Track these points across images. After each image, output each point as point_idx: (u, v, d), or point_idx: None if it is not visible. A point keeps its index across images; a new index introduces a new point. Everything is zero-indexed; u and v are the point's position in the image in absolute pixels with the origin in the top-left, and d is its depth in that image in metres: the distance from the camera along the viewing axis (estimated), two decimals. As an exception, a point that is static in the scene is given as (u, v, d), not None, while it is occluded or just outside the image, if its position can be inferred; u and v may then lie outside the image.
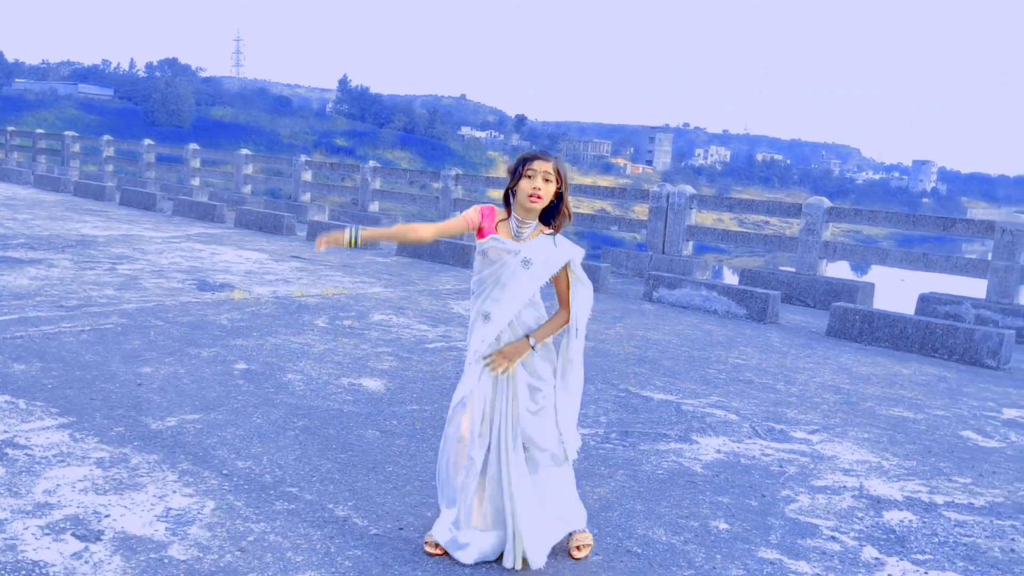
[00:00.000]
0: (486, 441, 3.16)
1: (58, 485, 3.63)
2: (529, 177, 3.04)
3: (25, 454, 3.95)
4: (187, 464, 3.97)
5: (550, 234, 3.15)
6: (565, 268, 3.15)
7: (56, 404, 4.65)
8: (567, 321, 3.18)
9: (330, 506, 3.63)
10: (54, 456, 3.94)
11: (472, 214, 3.16)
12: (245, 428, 4.50)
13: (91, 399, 4.77)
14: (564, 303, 3.20)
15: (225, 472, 3.91)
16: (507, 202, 3.16)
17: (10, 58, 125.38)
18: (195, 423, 4.52)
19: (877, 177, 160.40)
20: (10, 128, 31.78)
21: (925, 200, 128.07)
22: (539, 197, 3.04)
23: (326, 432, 4.54)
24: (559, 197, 3.11)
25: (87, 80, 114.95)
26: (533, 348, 3.13)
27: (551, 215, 3.14)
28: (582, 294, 3.18)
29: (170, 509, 3.48)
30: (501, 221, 3.16)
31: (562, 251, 3.14)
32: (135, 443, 4.17)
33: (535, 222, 3.13)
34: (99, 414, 4.54)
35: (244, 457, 4.10)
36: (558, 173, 3.07)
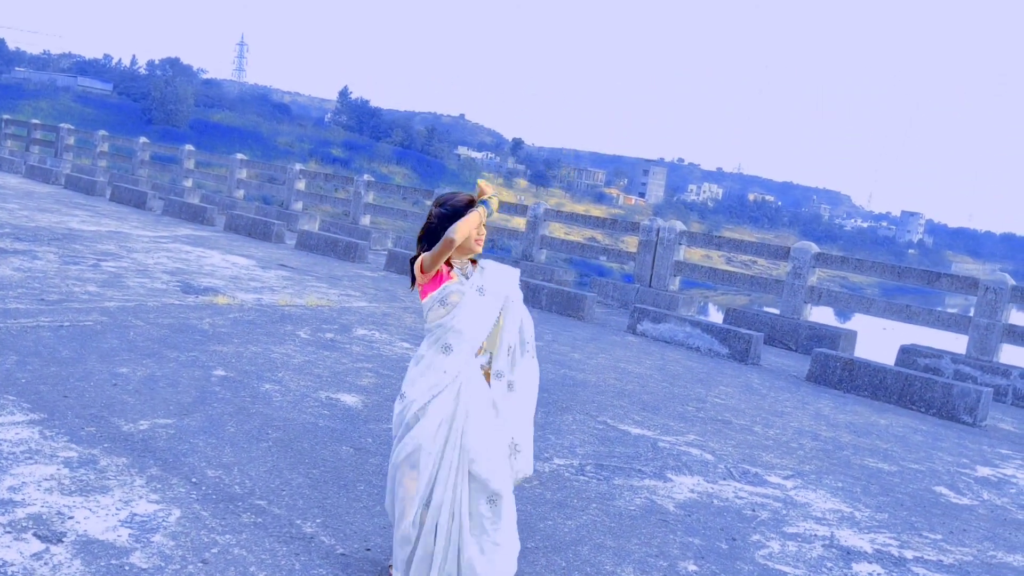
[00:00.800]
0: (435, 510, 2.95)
1: (24, 483, 3.58)
2: (478, 224, 3.02)
3: (-8, 448, 3.88)
4: (156, 470, 3.92)
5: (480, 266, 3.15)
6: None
7: (28, 399, 4.59)
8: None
9: (298, 522, 3.59)
10: (22, 452, 3.89)
11: (423, 282, 3.09)
12: (218, 436, 4.45)
13: (64, 396, 4.72)
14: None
15: (194, 480, 3.86)
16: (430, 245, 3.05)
17: (11, 46, 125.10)
18: (168, 428, 4.47)
19: (865, 225, 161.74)
20: (5, 116, 31.65)
21: (911, 251, 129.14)
22: (481, 241, 3.08)
23: (300, 446, 4.50)
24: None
25: (87, 73, 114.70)
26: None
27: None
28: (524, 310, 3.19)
29: (135, 515, 3.43)
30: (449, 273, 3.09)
31: (504, 273, 3.16)
32: (105, 444, 4.12)
33: (473, 256, 3.15)
34: (71, 412, 4.49)
35: (215, 466, 4.06)
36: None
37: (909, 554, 4.27)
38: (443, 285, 3.03)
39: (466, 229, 2.96)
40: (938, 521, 4.86)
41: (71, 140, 26.86)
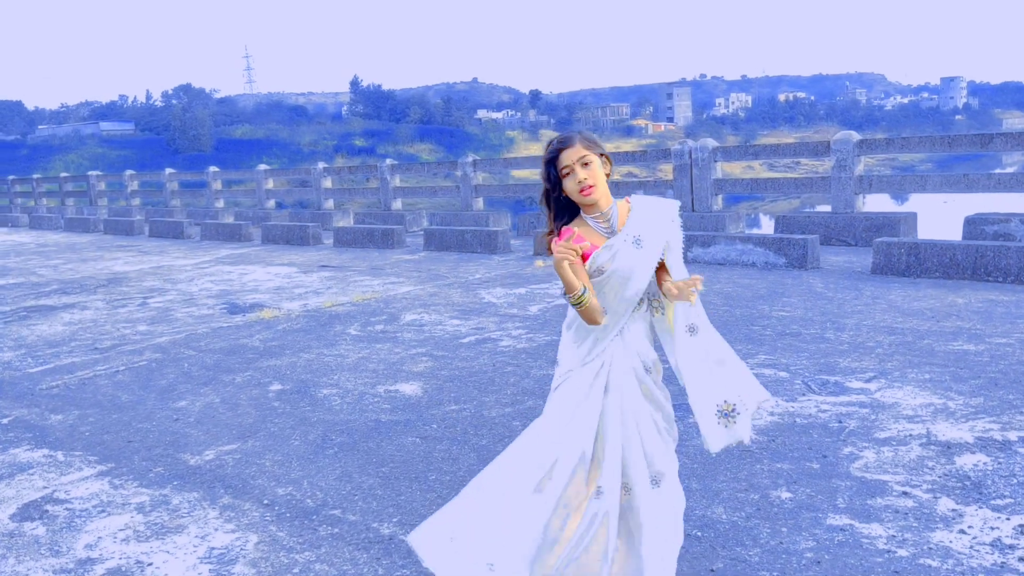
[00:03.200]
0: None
1: (99, 538, 3.56)
2: (567, 175, 2.57)
3: (65, 509, 3.88)
4: (227, 498, 3.88)
5: (645, 199, 2.69)
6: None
7: (94, 452, 4.59)
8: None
9: (375, 525, 3.51)
10: (94, 507, 3.88)
11: (569, 252, 2.46)
12: (283, 452, 4.40)
13: (128, 442, 4.71)
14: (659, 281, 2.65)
15: (266, 502, 3.81)
16: (559, 207, 2.64)
17: (30, 106, 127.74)
18: (233, 453, 4.43)
19: (906, 100, 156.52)
20: (36, 176, 32.29)
21: (958, 117, 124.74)
22: (592, 186, 2.54)
23: (366, 446, 4.43)
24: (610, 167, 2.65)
25: (107, 117, 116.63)
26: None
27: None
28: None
29: (213, 549, 3.38)
30: (583, 229, 2.60)
31: (660, 210, 2.63)
32: (175, 483, 4.09)
33: (612, 205, 2.62)
34: (137, 456, 4.48)
35: (284, 483, 4.00)
36: (588, 147, 2.57)
37: (1013, 435, 4.02)
38: (594, 250, 2.56)
39: (559, 251, 2.45)
40: (1038, 394, 4.58)
41: (102, 185, 27.28)
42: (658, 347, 2.78)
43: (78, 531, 3.64)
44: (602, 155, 2.62)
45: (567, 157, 2.56)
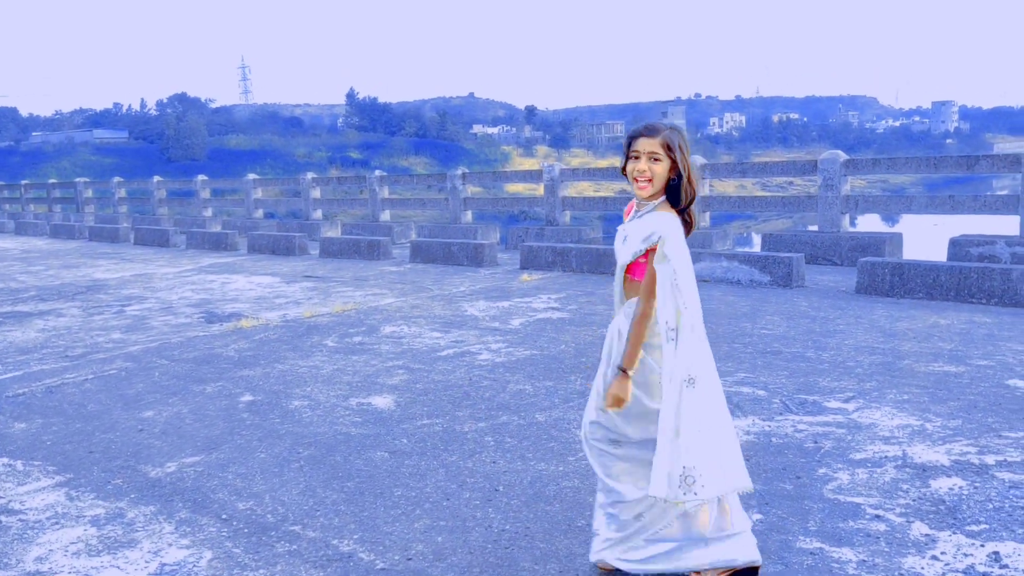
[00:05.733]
0: None
1: (50, 551, 3.45)
2: (634, 158, 2.70)
3: (19, 520, 3.77)
4: (185, 512, 3.77)
5: (664, 213, 2.73)
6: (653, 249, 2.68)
7: (54, 462, 4.48)
8: (646, 314, 2.67)
9: (334, 542, 3.41)
10: (48, 519, 3.76)
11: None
12: (247, 465, 4.29)
13: (90, 452, 4.60)
14: (644, 293, 2.70)
15: (224, 517, 3.70)
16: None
17: (24, 113, 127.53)
18: (195, 466, 4.32)
19: (897, 124, 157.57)
20: (24, 182, 32.14)
21: (949, 141, 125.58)
22: (646, 181, 2.67)
23: (332, 460, 4.33)
24: (679, 174, 2.69)
25: (101, 125, 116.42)
26: (626, 374, 2.69)
27: (676, 196, 2.71)
28: (663, 273, 2.64)
29: (164, 565, 3.27)
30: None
31: (657, 222, 2.69)
32: (132, 495, 3.98)
33: (655, 202, 2.73)
34: (97, 467, 4.36)
35: (245, 497, 3.89)
36: (667, 148, 2.66)
37: (991, 459, 3.95)
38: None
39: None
40: (1017, 417, 4.52)
41: (89, 192, 27.14)
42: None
43: (29, 543, 3.53)
44: (673, 162, 2.69)
45: (643, 144, 2.68)
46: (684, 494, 2.62)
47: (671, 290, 2.63)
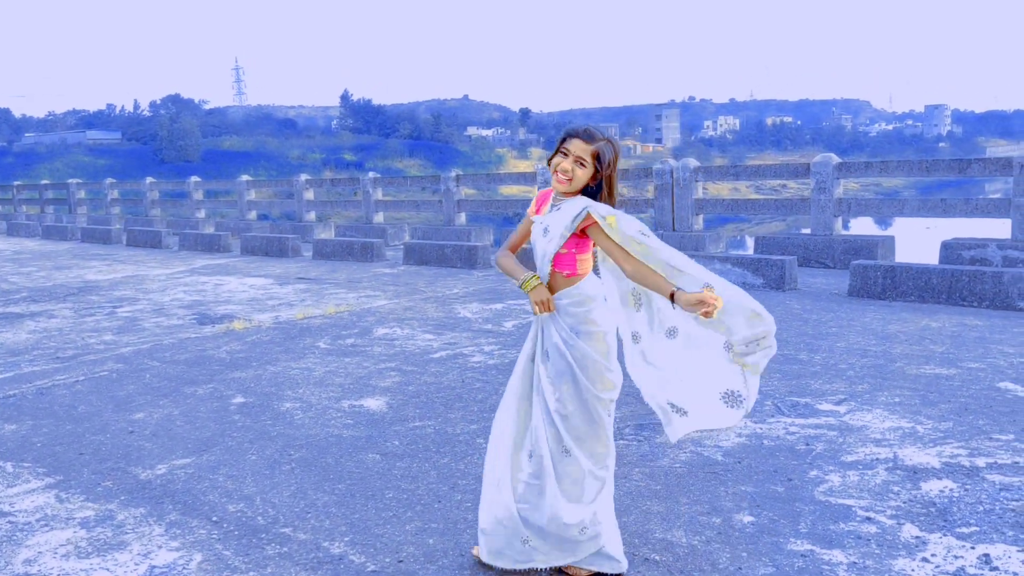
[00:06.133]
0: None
1: (39, 553, 3.43)
2: (563, 155, 2.80)
3: (8, 522, 3.75)
4: (175, 514, 3.75)
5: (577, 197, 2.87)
6: (590, 222, 2.78)
7: (44, 463, 4.46)
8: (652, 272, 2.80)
9: (325, 544, 3.40)
10: (37, 521, 3.75)
11: (530, 208, 3.02)
12: (238, 467, 4.28)
13: (80, 454, 4.58)
14: (627, 261, 2.81)
15: (215, 519, 3.69)
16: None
17: (17, 114, 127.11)
18: (186, 468, 4.31)
19: (890, 128, 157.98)
20: (16, 183, 32.02)
21: (941, 144, 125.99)
22: (567, 180, 2.80)
23: (324, 462, 4.32)
24: (599, 184, 2.82)
25: (94, 126, 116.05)
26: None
27: (595, 198, 2.84)
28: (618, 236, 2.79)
29: (154, 567, 3.26)
30: (548, 203, 2.97)
31: (576, 203, 2.82)
32: (122, 497, 3.96)
33: (571, 197, 2.87)
34: (87, 469, 4.35)
35: (236, 499, 3.88)
36: (596, 157, 2.77)
37: (981, 462, 3.96)
38: (534, 218, 2.99)
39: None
40: (1007, 420, 4.53)
41: (82, 194, 27.05)
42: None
43: (18, 545, 3.51)
44: (598, 174, 2.81)
45: (574, 146, 2.78)
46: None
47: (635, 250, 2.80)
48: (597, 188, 2.83)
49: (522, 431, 2.98)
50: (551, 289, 2.89)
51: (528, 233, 3.01)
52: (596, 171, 2.79)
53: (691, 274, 2.77)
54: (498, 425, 3.03)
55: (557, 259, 2.86)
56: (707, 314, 2.67)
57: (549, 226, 2.87)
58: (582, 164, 2.77)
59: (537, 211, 2.98)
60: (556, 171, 2.81)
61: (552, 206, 2.91)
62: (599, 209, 2.77)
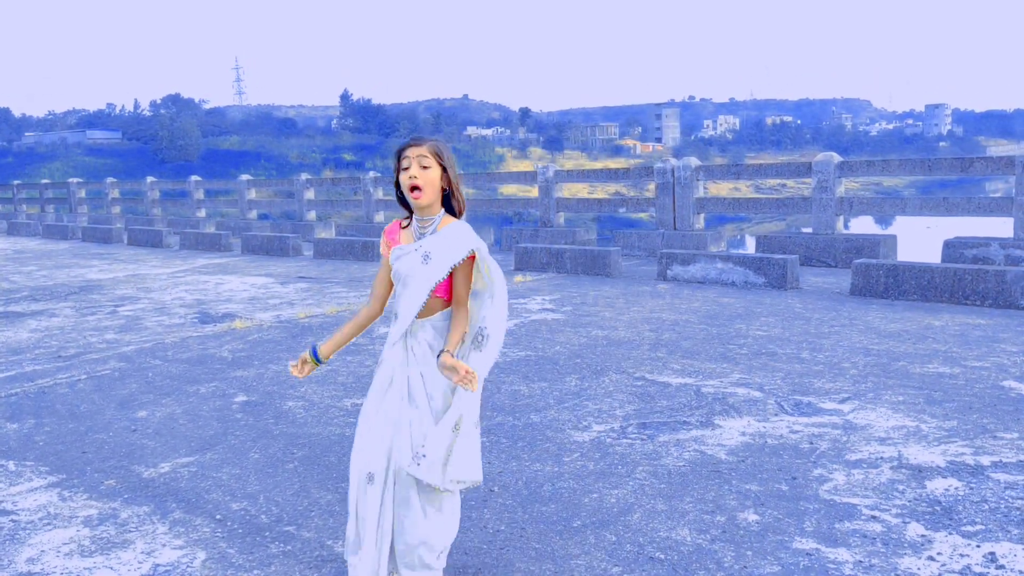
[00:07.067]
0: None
1: (42, 551, 3.42)
2: (404, 168, 2.70)
3: (11, 520, 3.74)
4: (179, 513, 3.75)
5: (458, 224, 2.80)
6: (470, 261, 2.75)
7: (47, 462, 4.45)
8: (464, 326, 2.77)
9: (328, 542, 3.39)
10: (40, 519, 3.74)
11: (382, 246, 2.89)
12: (241, 466, 4.27)
13: (83, 453, 4.57)
14: (461, 302, 2.78)
15: (218, 517, 3.68)
16: (405, 204, 2.80)
17: (17, 113, 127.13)
18: (189, 466, 4.30)
19: (891, 127, 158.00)
20: (16, 182, 32.01)
21: (942, 144, 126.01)
22: (418, 187, 2.68)
23: (327, 460, 4.31)
24: (451, 185, 2.76)
25: (94, 126, 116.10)
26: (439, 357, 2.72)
27: (451, 208, 2.79)
28: (498, 290, 2.74)
29: (158, 566, 3.25)
30: (404, 229, 2.84)
31: (467, 240, 2.74)
32: (125, 496, 3.96)
33: (437, 216, 2.77)
34: (90, 468, 4.34)
35: (239, 498, 3.87)
36: (435, 154, 2.71)
37: (986, 460, 3.95)
38: (393, 248, 2.83)
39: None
40: (1012, 418, 4.52)
41: (82, 193, 27.04)
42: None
43: (22, 544, 3.50)
44: (445, 169, 2.75)
45: (411, 151, 2.71)
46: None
47: (488, 301, 2.73)
48: (449, 195, 2.76)
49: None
50: (428, 312, 2.78)
51: (388, 276, 2.86)
52: (442, 168, 2.72)
53: (485, 354, 2.71)
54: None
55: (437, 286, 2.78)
56: (461, 381, 2.61)
57: (431, 252, 2.73)
58: (425, 165, 2.69)
59: (395, 244, 2.83)
60: (408, 187, 2.69)
61: (419, 233, 2.78)
62: (482, 252, 2.73)
